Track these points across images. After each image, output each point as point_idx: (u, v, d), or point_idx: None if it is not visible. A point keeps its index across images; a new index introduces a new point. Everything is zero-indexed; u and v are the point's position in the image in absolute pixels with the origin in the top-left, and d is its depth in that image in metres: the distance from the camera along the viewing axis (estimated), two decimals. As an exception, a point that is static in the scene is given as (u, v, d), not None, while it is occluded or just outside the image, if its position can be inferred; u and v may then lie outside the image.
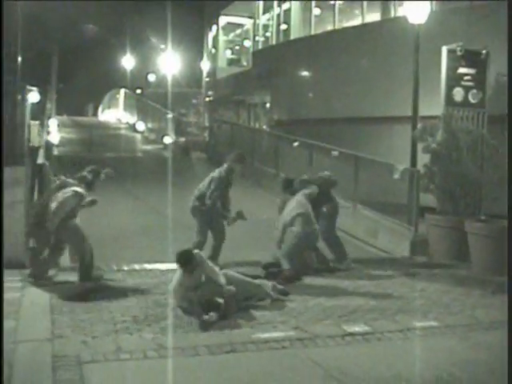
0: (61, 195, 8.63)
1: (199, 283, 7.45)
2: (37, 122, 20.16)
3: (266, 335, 6.56)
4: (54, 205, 8.54)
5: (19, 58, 10.27)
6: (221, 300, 7.14)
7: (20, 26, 10.31)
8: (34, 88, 20.80)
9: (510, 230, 8.25)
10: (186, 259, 7.42)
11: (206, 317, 6.92)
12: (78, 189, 8.78)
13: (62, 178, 9.09)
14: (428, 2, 13.97)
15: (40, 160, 11.32)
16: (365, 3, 22.32)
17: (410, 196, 12.21)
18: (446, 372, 5.80)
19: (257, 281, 8.07)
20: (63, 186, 8.84)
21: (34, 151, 14.61)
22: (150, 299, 7.86)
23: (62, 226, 8.59)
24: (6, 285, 7.95)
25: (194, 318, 7.06)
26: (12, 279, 8.29)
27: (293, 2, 27.68)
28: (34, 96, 21.00)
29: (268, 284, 8.14)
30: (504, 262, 8.95)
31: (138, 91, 51.38)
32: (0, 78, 8.93)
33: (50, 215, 8.52)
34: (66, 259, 10.35)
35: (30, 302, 7.47)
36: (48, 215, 8.55)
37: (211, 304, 7.11)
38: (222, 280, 7.51)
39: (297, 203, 9.69)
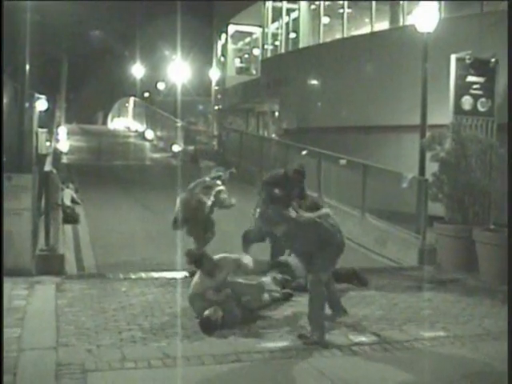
0: (214, 191, 9.72)
1: (221, 285, 7.48)
2: (44, 130, 20.23)
3: (272, 345, 6.52)
4: (209, 201, 9.61)
5: (27, 66, 10.25)
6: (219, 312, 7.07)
7: (29, 34, 10.29)
8: (42, 96, 20.91)
9: (511, 236, 8.18)
10: (194, 259, 7.73)
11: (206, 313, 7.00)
12: (224, 187, 9.92)
13: (207, 178, 10.11)
14: (437, 10, 13.91)
15: (47, 167, 11.28)
16: (374, 12, 22.31)
17: (418, 205, 12.12)
18: None
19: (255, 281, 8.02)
20: (207, 184, 9.90)
21: (42, 159, 14.65)
22: (156, 308, 7.82)
23: (208, 218, 9.71)
24: (12, 292, 7.99)
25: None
26: (18, 287, 8.29)
27: (302, 10, 27.73)
28: (42, 104, 21.13)
29: (268, 280, 8.17)
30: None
31: (146, 95, 51.53)
32: (0, 81, 8.94)
33: (205, 209, 9.56)
34: (72, 267, 10.37)
35: (35, 309, 7.44)
36: (199, 210, 9.55)
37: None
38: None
39: None
